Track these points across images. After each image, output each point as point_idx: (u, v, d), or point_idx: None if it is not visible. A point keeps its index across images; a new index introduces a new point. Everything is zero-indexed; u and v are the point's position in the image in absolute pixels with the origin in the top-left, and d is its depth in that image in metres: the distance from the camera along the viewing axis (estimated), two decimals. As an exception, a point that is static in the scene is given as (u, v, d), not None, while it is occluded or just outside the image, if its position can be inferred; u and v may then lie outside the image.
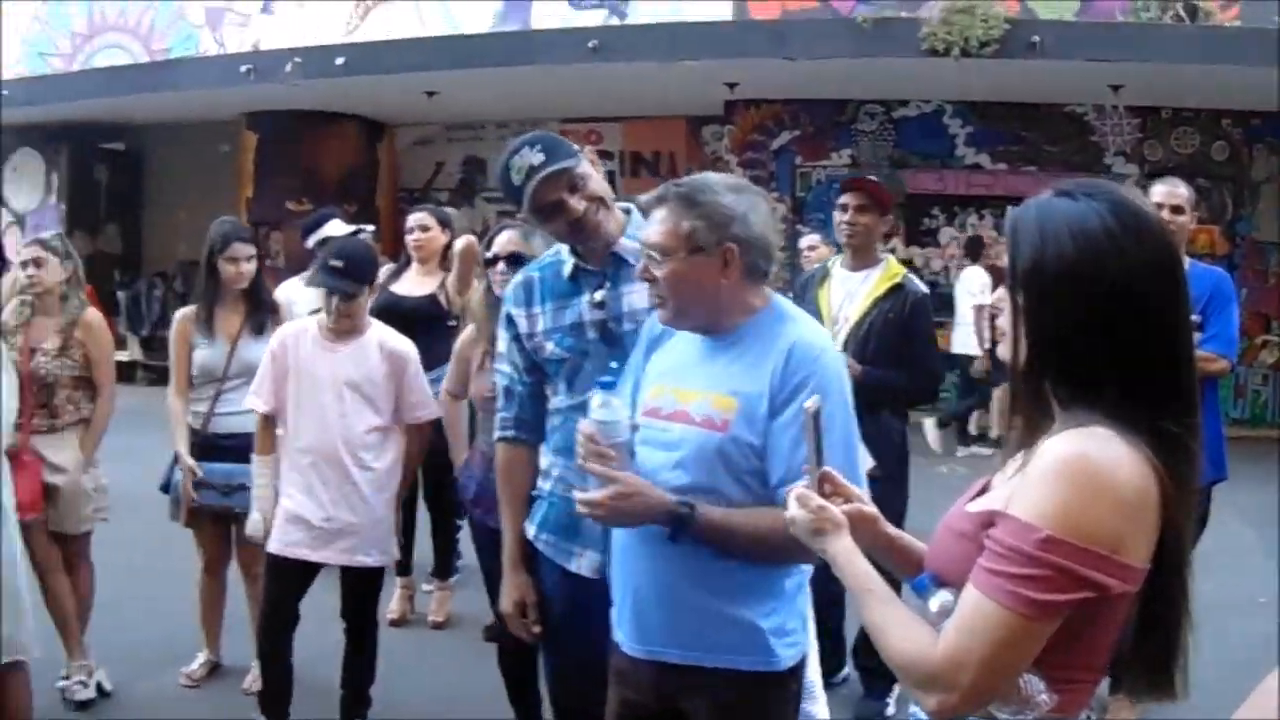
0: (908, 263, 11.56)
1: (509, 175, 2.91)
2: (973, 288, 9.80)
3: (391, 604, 5.72)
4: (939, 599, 1.68)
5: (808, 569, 2.53)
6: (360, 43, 11.56)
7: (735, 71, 10.84)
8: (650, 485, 2.37)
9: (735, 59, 10.16)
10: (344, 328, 4.33)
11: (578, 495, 2.44)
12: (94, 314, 5.10)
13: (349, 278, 4.28)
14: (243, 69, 11.97)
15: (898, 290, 4.51)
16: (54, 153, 15.52)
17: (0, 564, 3.93)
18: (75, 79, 13.79)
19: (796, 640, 2.48)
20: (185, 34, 13.15)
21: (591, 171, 2.97)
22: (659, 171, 13.40)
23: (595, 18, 10.56)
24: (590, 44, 10.14)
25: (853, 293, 4.55)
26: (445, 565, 6.14)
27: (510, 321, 3.15)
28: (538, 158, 2.88)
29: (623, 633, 2.58)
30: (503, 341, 3.22)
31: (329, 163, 13.71)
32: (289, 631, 4.47)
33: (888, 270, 4.60)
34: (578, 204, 2.89)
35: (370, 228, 6.49)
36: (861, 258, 4.60)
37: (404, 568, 5.86)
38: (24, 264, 5.01)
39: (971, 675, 1.55)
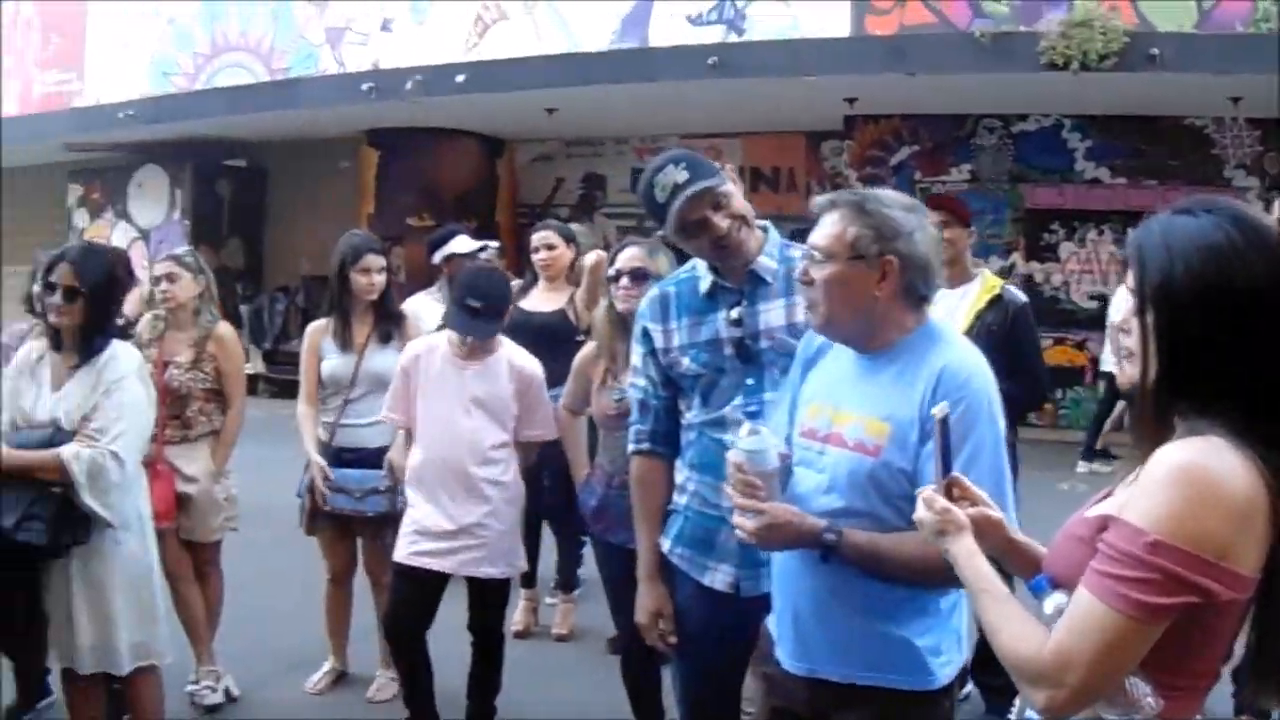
0: (1028, 278, 12.03)
1: (653, 192, 3.09)
2: (1123, 307, 9.98)
3: (516, 616, 5.93)
4: (1054, 600, 1.77)
5: None
6: (481, 61, 12.18)
7: (854, 87, 11.14)
8: (799, 513, 2.46)
9: (854, 74, 10.47)
10: (475, 350, 4.59)
11: (735, 520, 2.52)
12: (226, 328, 5.36)
13: (487, 319, 4.52)
14: (364, 87, 12.65)
15: (997, 302, 4.66)
16: (178, 169, 16.37)
17: (136, 572, 4.22)
18: (199, 98, 14.60)
19: (951, 659, 2.55)
20: (305, 53, 13.98)
21: (734, 189, 3.15)
22: (778, 187, 13.85)
23: (713, 34, 10.98)
24: (710, 60, 10.55)
25: (953, 309, 4.62)
26: (569, 578, 6.34)
27: (646, 336, 3.31)
28: (682, 175, 3.05)
29: (783, 650, 2.67)
30: (638, 356, 3.38)
31: (449, 179, 14.31)
32: (418, 639, 4.66)
33: (985, 284, 4.75)
34: (721, 222, 3.07)
35: (494, 244, 6.82)
36: (957, 274, 4.66)
37: (529, 580, 6.08)
38: (157, 279, 5.33)
39: (1079, 674, 1.63)
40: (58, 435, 4.04)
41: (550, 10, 12.10)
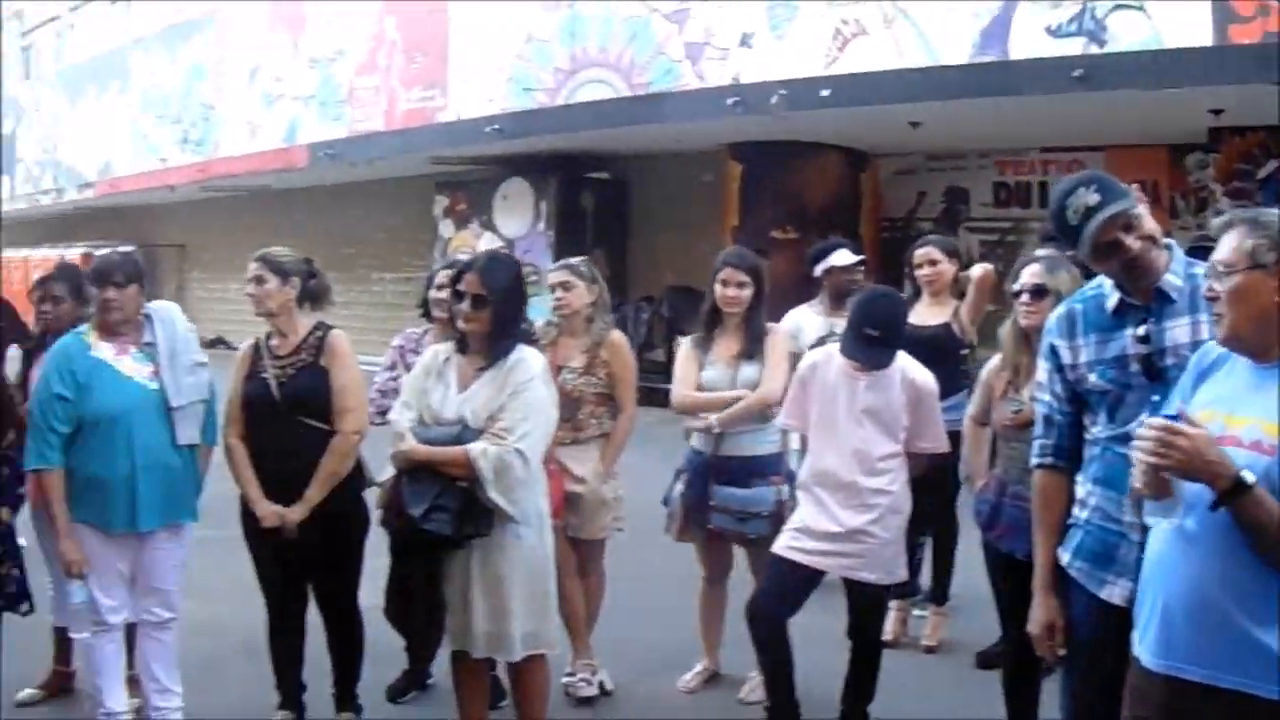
0: None
1: (1065, 215, 3.42)
2: None
3: (886, 625, 6.00)
4: None
5: None
6: (845, 74, 13.32)
7: (1218, 97, 11.57)
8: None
9: (1218, 85, 10.92)
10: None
11: (1146, 420, 2.81)
12: (619, 335, 5.93)
13: (883, 346, 5.04)
14: (729, 101, 14.09)
15: None
16: (542, 182, 18.63)
17: (533, 565, 4.71)
18: (562, 112, 16.64)
19: None
20: (665, 68, 15.62)
21: (1144, 210, 3.45)
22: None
23: (1074, 45, 11.61)
24: (1075, 73, 11.22)
25: None
26: (943, 589, 6.85)
27: (1053, 352, 3.63)
28: (1094, 198, 3.36)
29: (1143, 646, 2.90)
30: (1043, 371, 3.71)
31: (812, 192, 15.66)
32: (778, 628, 5.13)
33: None
34: (1133, 243, 3.38)
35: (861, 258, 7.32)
36: None
37: (903, 590, 6.34)
38: (552, 287, 5.90)
39: None
40: (465, 433, 4.58)
41: (909, 23, 13.04)
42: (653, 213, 18.82)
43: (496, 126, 17.22)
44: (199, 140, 26.43)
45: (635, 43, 16.14)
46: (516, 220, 19.13)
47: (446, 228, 20.52)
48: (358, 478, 5.49)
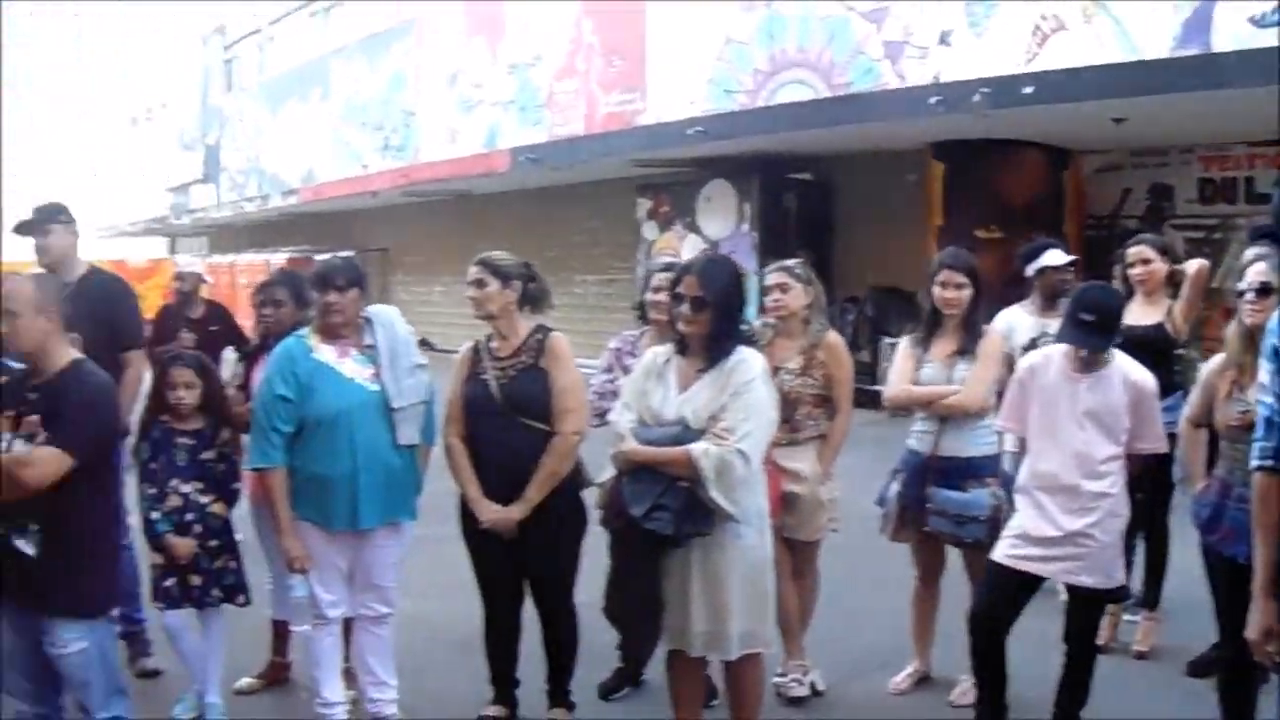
0: None
1: None
2: None
3: None
4: None
5: None
6: (1047, 71, 13.61)
7: None
8: None
9: None
10: (1089, 363, 5.19)
11: None
12: (835, 336, 6.06)
13: (1100, 333, 5.12)
14: (931, 100, 14.49)
15: None
16: (745, 183, 19.36)
17: (753, 564, 4.82)
18: (764, 114, 17.36)
19: None
20: (865, 68, 16.28)
21: None
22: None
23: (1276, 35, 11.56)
24: None
25: None
26: (1155, 594, 6.86)
27: (1276, 353, 3.64)
28: None
29: None
30: (1265, 373, 3.71)
31: (1015, 190, 16.14)
32: (998, 637, 5.25)
33: None
34: None
35: (1073, 258, 7.49)
36: None
37: (1113, 594, 6.02)
38: (767, 289, 6.06)
39: None
40: (685, 433, 4.71)
41: (1108, 18, 13.33)
42: (855, 213, 19.27)
43: (700, 129, 17.86)
44: (400, 146, 28.09)
45: (834, 42, 16.76)
46: (720, 222, 19.83)
47: (650, 230, 21.45)
48: (576, 478, 5.73)
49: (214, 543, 5.91)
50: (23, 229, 6.59)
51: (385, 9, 28.67)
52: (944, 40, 15.25)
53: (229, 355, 6.65)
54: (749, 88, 18.07)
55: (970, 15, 14.93)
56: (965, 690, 5.97)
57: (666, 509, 4.64)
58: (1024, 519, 5.21)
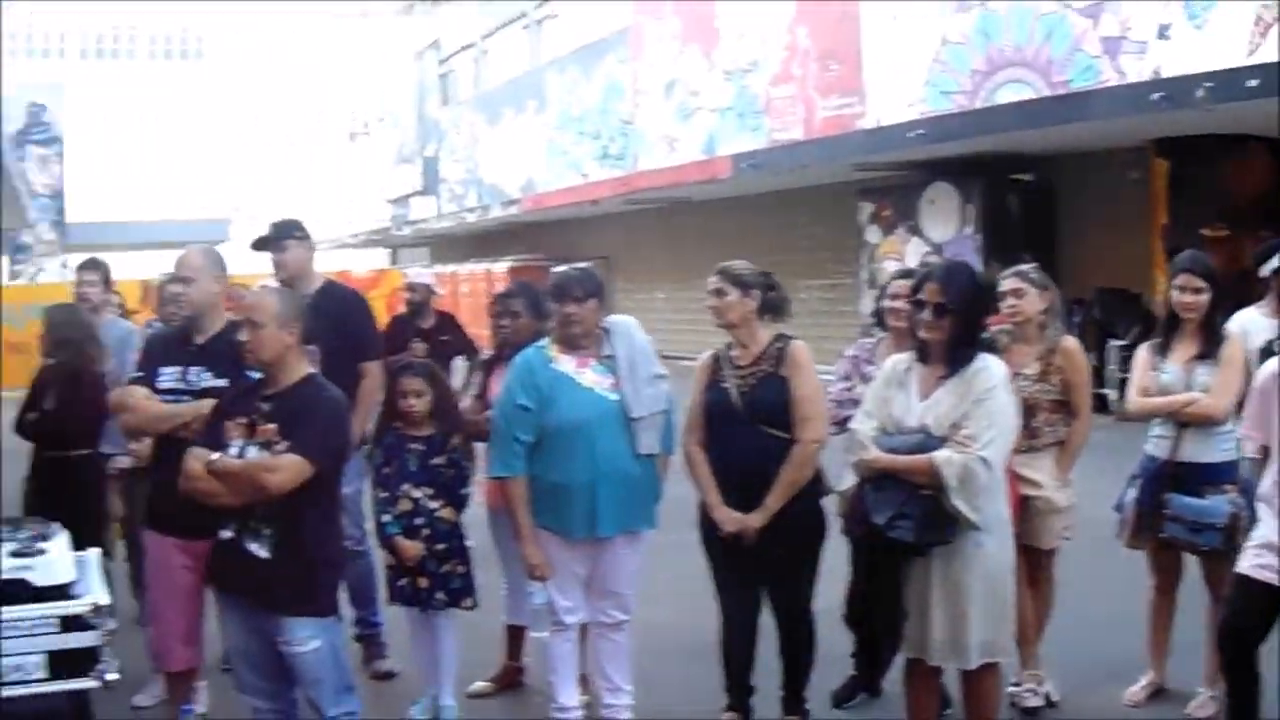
0: None
1: None
2: None
3: None
4: None
5: None
6: (1272, 63, 13.59)
7: None
8: None
9: None
10: None
11: None
12: (1072, 341, 6.20)
13: None
14: (1154, 96, 14.84)
15: None
16: (967, 185, 19.87)
17: (994, 573, 4.96)
18: (985, 114, 17.76)
19: None
20: (1084, 65, 16.54)
21: None
22: None
23: None
24: None
25: None
26: None
27: None
28: None
29: None
30: None
31: (1240, 186, 16.35)
32: (1249, 652, 5.20)
33: None
34: None
35: None
36: None
37: None
38: (1003, 295, 6.14)
39: None
40: (927, 441, 4.88)
41: None
42: (1078, 213, 19.58)
43: (921, 131, 18.48)
44: (619, 155, 29.21)
45: (1051, 40, 17.10)
46: (943, 224, 20.40)
47: (873, 234, 22.11)
48: (816, 486, 5.91)
49: (441, 546, 6.30)
50: (260, 244, 7.03)
51: (597, 20, 29.86)
52: (1163, 34, 15.37)
53: (459, 364, 6.98)
54: (966, 88, 18.54)
55: (1189, 8, 15.02)
56: (1202, 703, 6.08)
57: (909, 517, 4.85)
58: (1268, 529, 5.18)
